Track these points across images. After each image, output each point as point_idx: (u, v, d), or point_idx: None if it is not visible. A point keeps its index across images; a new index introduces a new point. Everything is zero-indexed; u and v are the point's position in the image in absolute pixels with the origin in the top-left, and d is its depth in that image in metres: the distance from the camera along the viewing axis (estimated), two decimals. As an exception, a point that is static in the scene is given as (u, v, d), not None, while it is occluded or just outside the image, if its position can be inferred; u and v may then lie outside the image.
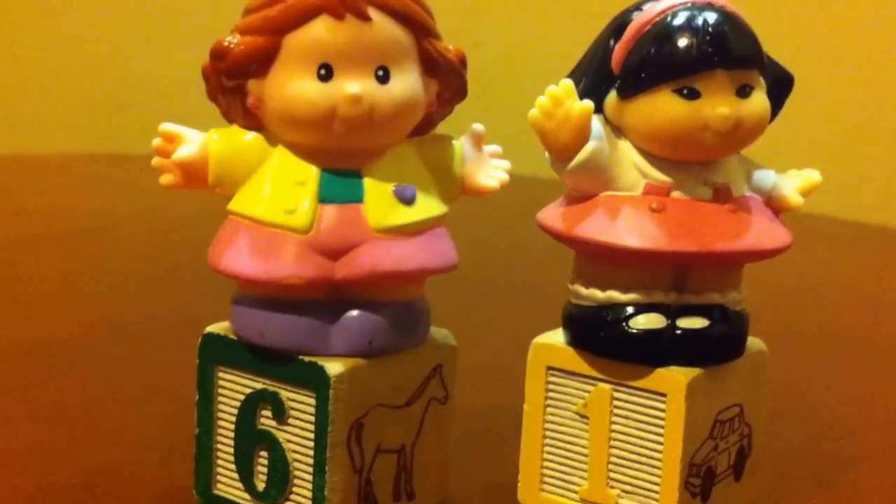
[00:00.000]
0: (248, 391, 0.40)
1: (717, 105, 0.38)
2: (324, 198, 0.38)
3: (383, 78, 0.38)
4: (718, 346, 0.40)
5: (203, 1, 1.21)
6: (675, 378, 0.39)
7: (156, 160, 0.39)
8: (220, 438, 0.41)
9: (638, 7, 0.40)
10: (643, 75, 0.39)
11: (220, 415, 0.41)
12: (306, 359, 0.38)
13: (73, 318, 0.65)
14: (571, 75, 0.41)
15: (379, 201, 0.38)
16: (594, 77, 0.40)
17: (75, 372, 0.56)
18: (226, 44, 0.38)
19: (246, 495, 0.41)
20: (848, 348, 0.68)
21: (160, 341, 0.61)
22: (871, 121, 1.11)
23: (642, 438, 0.40)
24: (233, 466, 0.41)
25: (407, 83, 0.38)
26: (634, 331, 0.40)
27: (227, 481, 0.41)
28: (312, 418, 0.39)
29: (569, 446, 0.42)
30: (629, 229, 0.39)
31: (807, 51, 1.10)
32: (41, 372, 0.56)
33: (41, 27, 1.35)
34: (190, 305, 0.66)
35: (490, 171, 0.42)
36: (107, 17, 1.34)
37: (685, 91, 0.38)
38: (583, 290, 0.41)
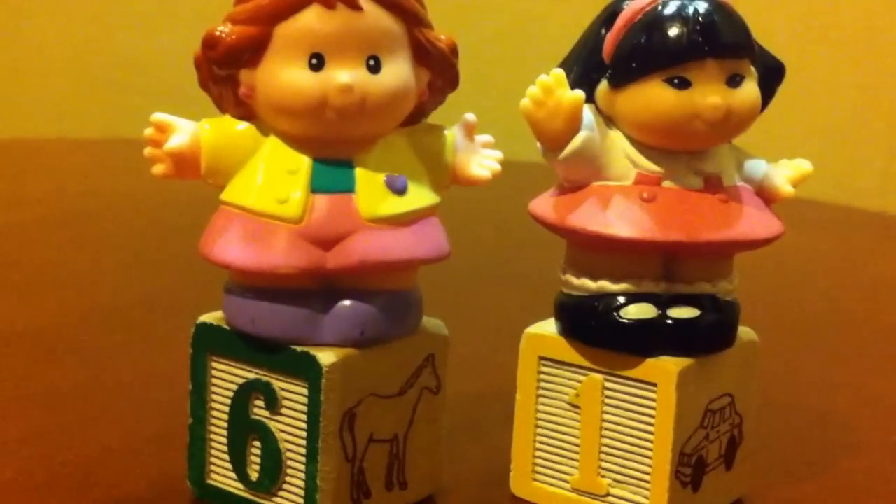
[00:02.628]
0: (241, 381, 0.40)
1: (708, 94, 0.39)
2: (315, 187, 0.38)
3: (374, 67, 0.38)
4: (709, 335, 0.40)
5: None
6: (665, 368, 0.40)
7: (148, 150, 0.39)
8: (213, 428, 0.41)
9: (629, -4, 0.40)
10: (634, 64, 0.39)
11: (214, 405, 0.41)
12: (298, 348, 0.39)
13: (66, 305, 0.66)
14: (563, 65, 0.41)
15: (370, 191, 0.39)
16: (585, 66, 0.40)
17: (69, 358, 0.57)
18: (217, 33, 0.38)
19: (239, 485, 0.41)
20: (843, 334, 0.68)
21: (154, 328, 0.61)
22: (868, 107, 1.11)
23: (633, 428, 0.41)
24: (226, 456, 0.41)
25: (398, 72, 0.38)
26: (625, 321, 0.40)
27: (220, 471, 0.41)
28: (305, 408, 0.39)
29: (560, 436, 0.42)
30: (620, 219, 0.39)
31: (804, 37, 1.10)
32: (34, 358, 0.56)
33: (35, 10, 1.35)
34: (185, 292, 0.66)
35: (482, 161, 0.42)
36: (102, 0, 1.34)
37: (676, 80, 0.39)
38: (574, 280, 0.41)
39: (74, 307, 0.65)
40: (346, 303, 0.39)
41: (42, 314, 0.63)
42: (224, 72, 0.38)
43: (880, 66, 1.11)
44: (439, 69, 0.40)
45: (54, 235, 0.82)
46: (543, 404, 0.43)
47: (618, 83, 0.40)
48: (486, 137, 0.42)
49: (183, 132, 0.39)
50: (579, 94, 0.38)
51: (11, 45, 1.35)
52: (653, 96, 0.39)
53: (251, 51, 0.38)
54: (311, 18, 0.37)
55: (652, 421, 0.40)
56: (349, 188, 0.39)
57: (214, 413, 0.41)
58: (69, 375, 0.54)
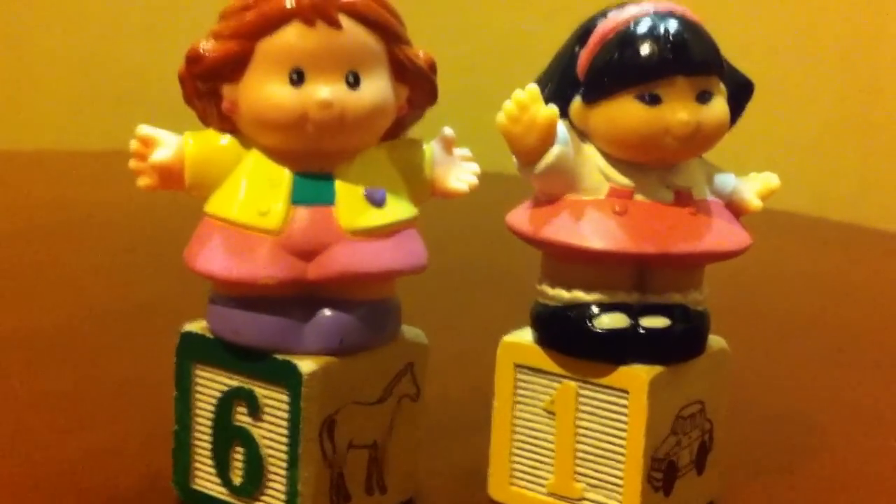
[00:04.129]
0: (224, 388, 0.40)
1: (678, 110, 0.38)
2: (296, 200, 0.38)
3: (354, 83, 0.38)
4: (680, 344, 0.40)
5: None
6: (637, 376, 0.39)
7: (133, 163, 0.39)
8: (197, 434, 0.41)
9: (603, 14, 0.40)
10: (606, 81, 0.39)
11: (198, 411, 0.41)
12: (280, 357, 0.38)
13: (58, 310, 0.65)
14: (538, 81, 0.41)
15: (350, 203, 0.38)
16: (560, 82, 0.40)
17: (59, 362, 0.56)
18: (200, 49, 0.38)
19: (223, 489, 0.40)
20: (814, 342, 0.68)
21: (145, 334, 0.61)
22: (843, 120, 1.11)
23: (607, 434, 0.40)
24: (210, 461, 0.41)
25: (377, 88, 0.38)
26: (598, 330, 0.40)
27: (204, 476, 0.41)
28: (286, 415, 0.38)
29: (536, 441, 0.42)
30: (593, 231, 0.39)
31: (780, 52, 1.10)
32: (25, 361, 0.56)
33: (40, 22, 1.34)
34: (175, 299, 0.65)
35: (460, 175, 0.41)
36: (106, 13, 1.33)
37: (647, 97, 0.38)
38: (549, 290, 0.41)
39: (67, 313, 0.65)
40: (326, 312, 0.39)
41: (35, 319, 0.63)
42: (207, 87, 0.38)
43: (855, 82, 1.11)
44: (418, 85, 0.40)
45: (51, 242, 0.82)
46: (520, 410, 0.42)
47: (591, 99, 0.39)
48: (463, 151, 0.42)
49: (167, 146, 0.39)
50: (553, 109, 0.38)
51: (18, 60, 1.34)
52: (624, 112, 0.39)
53: (233, 66, 0.37)
54: (291, 35, 0.37)
55: (624, 427, 0.40)
56: (329, 201, 0.38)
57: (199, 419, 0.41)
58: (59, 377, 0.54)
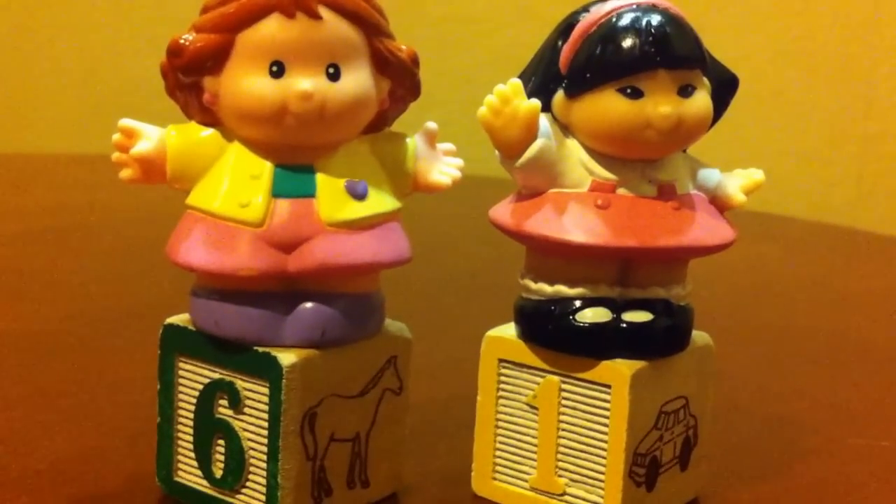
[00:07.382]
0: (206, 381, 0.39)
1: (660, 104, 0.38)
2: (277, 192, 0.37)
3: (334, 75, 0.37)
4: (662, 339, 0.39)
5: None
6: (619, 370, 0.38)
7: (115, 155, 0.38)
8: (180, 427, 0.40)
9: (585, 9, 0.39)
10: (588, 75, 0.38)
11: (180, 404, 0.40)
12: (260, 349, 0.38)
13: (50, 311, 0.64)
14: (521, 75, 0.40)
15: (331, 196, 0.38)
16: (543, 76, 0.40)
17: (50, 361, 0.55)
18: (181, 41, 0.37)
19: (205, 482, 0.40)
20: (808, 345, 0.67)
21: (135, 335, 0.60)
22: (841, 126, 1.10)
23: (589, 428, 0.40)
24: (192, 454, 0.40)
25: (357, 80, 0.37)
26: (581, 324, 0.39)
27: (187, 469, 0.40)
28: (266, 407, 0.38)
29: (519, 436, 0.41)
30: (575, 225, 0.38)
31: (781, 58, 1.10)
32: (17, 361, 0.55)
33: (42, 29, 1.34)
34: (165, 301, 0.65)
35: (442, 168, 0.41)
36: (108, 21, 1.33)
37: (629, 90, 0.38)
38: (532, 285, 0.40)
39: (59, 314, 0.64)
40: (308, 305, 0.38)
41: (27, 320, 0.62)
42: (189, 79, 0.37)
43: (854, 88, 1.10)
44: (399, 78, 0.39)
45: (44, 245, 0.81)
46: (503, 405, 0.41)
47: (573, 93, 0.39)
48: (447, 146, 0.41)
49: (149, 138, 0.38)
50: (535, 103, 0.37)
51: (22, 65, 1.34)
52: (606, 106, 0.38)
53: (214, 58, 0.37)
54: (271, 27, 0.36)
55: (606, 422, 0.39)
56: (310, 193, 0.38)
57: (181, 412, 0.40)
58: (50, 377, 0.53)
